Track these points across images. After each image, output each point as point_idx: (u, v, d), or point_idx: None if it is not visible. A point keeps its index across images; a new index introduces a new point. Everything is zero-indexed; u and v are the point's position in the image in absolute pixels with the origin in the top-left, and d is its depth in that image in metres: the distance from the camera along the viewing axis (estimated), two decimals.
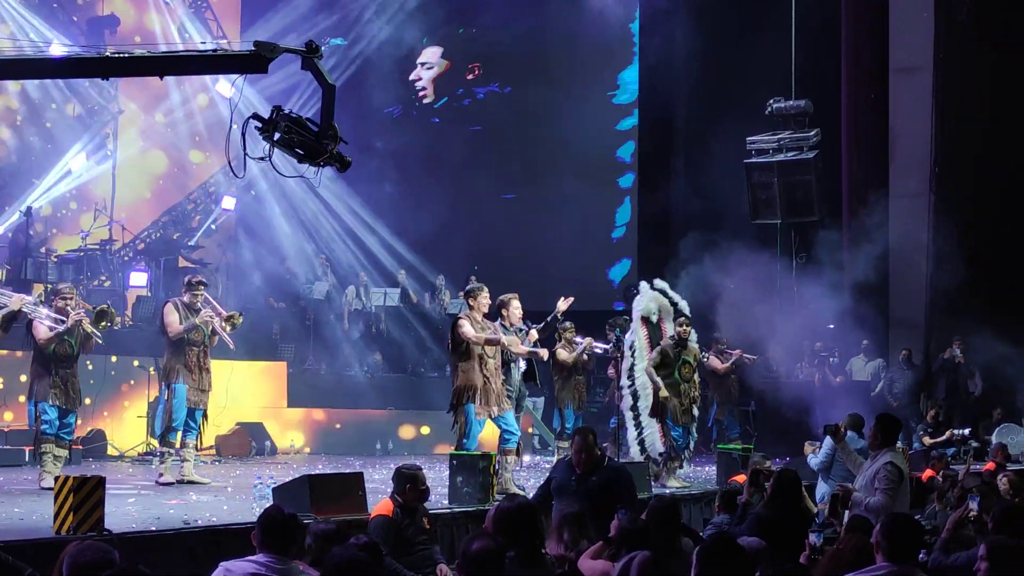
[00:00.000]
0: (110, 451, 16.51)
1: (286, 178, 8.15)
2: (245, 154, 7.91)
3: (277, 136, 7.87)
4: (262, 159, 7.97)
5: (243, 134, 7.92)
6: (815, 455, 12.43)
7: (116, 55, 8.46)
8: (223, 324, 13.27)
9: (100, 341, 13.59)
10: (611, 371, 17.64)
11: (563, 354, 17.26)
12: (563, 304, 14.07)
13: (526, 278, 22.45)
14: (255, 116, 7.96)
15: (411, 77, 26.67)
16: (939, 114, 21.85)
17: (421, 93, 26.80)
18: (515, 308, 13.32)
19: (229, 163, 8.35)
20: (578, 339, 17.42)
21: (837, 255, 21.03)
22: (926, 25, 22.01)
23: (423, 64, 26.72)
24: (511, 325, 13.29)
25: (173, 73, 9.20)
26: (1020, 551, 6.44)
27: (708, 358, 19.14)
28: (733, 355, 19.24)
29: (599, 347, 17.58)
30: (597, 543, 7.30)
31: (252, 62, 8.07)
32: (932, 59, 21.99)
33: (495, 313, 13.34)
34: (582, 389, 17.67)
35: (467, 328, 12.65)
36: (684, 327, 15.05)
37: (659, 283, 15.25)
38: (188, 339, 13.20)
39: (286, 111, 7.94)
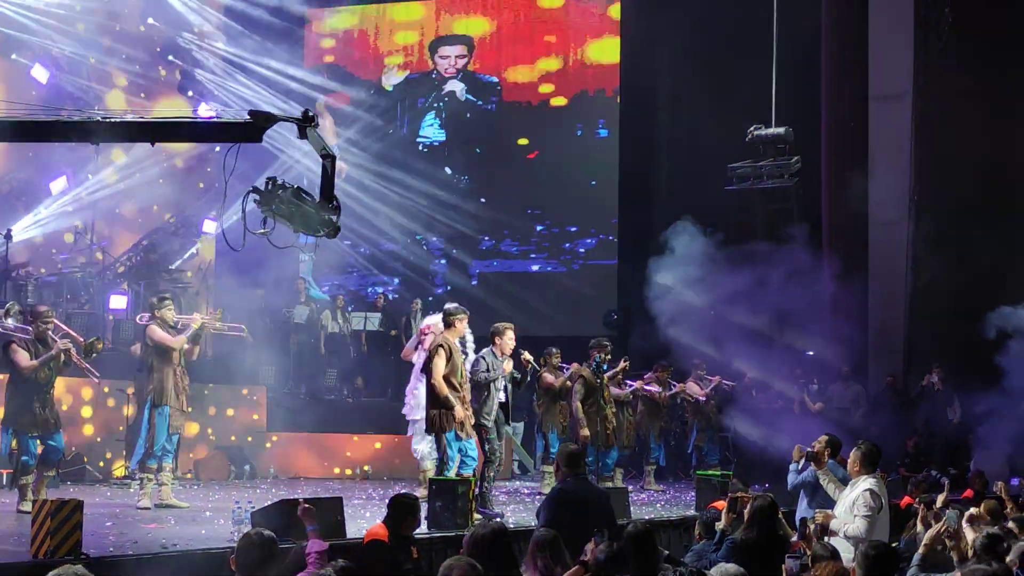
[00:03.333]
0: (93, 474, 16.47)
1: (279, 248, 8.04)
2: (245, 228, 7.85)
3: (275, 208, 7.80)
4: (263, 233, 7.91)
5: (244, 209, 7.82)
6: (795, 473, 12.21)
7: (106, 120, 8.43)
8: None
9: (96, 378, 13.61)
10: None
11: (549, 378, 17.25)
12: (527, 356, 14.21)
13: (511, 303, 22.57)
14: (254, 189, 7.88)
15: None
16: (918, 142, 21.97)
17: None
18: (509, 339, 13.37)
19: (224, 238, 8.30)
20: (564, 365, 17.42)
21: (817, 282, 21.09)
22: (906, 53, 22.13)
23: None
24: (501, 355, 13.33)
25: (164, 140, 9.12)
26: None
27: (687, 384, 19.23)
28: (712, 381, 19.27)
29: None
30: (573, 568, 7.30)
31: (246, 131, 8.02)
32: (912, 87, 22.12)
33: (479, 340, 13.38)
34: (566, 414, 17.68)
35: (437, 363, 12.75)
36: (606, 355, 15.62)
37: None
38: (169, 358, 13.19)
39: (280, 181, 7.88)
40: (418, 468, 15.35)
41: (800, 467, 11.62)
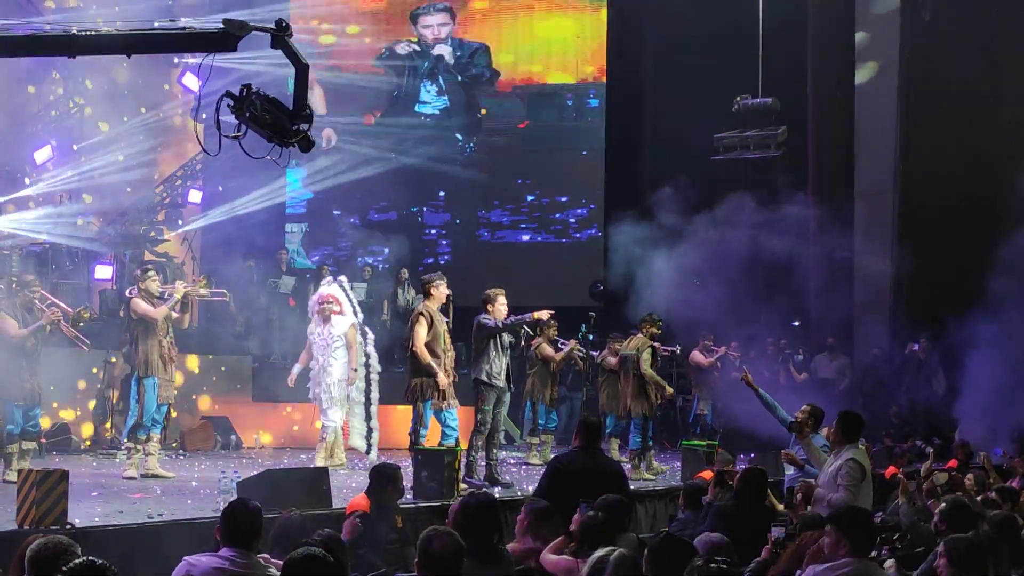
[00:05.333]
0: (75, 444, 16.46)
1: (254, 158, 8.07)
2: (220, 133, 7.91)
3: (249, 114, 7.86)
4: (235, 137, 7.96)
5: (217, 110, 7.89)
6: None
7: (82, 32, 8.41)
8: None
9: (87, 347, 13.62)
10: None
11: (549, 350, 17.14)
12: (544, 315, 13.85)
13: (502, 274, 22.55)
14: (228, 94, 7.94)
15: None
16: (904, 112, 21.97)
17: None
18: (500, 304, 13.20)
19: (199, 140, 8.38)
20: (561, 341, 17.34)
21: (802, 252, 21.13)
22: (892, 22, 22.11)
23: None
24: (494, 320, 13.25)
25: (140, 52, 9.07)
26: (976, 546, 6.53)
27: (692, 353, 19.25)
28: (719, 352, 19.25)
29: (582, 351, 17.45)
30: (558, 538, 7.33)
31: (221, 41, 8.03)
32: (898, 56, 22.11)
33: (480, 307, 13.31)
34: (555, 385, 17.67)
35: (418, 331, 12.75)
36: (657, 330, 15.55)
37: (343, 280, 15.46)
38: (158, 329, 13.19)
39: (255, 89, 7.94)
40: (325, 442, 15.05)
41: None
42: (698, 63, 22.80)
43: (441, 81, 25.81)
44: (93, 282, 19.09)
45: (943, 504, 8.14)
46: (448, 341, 13.07)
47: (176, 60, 23.04)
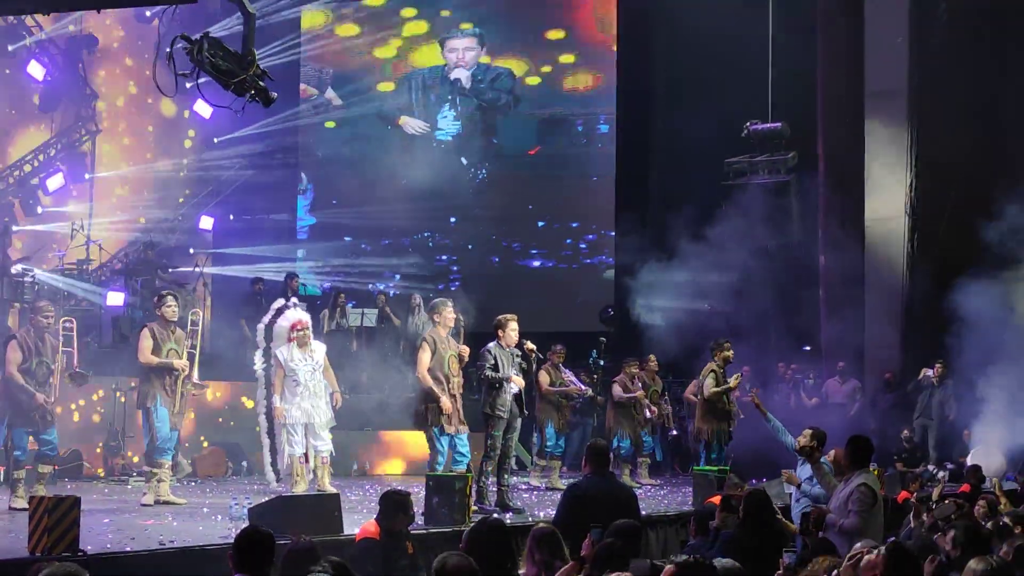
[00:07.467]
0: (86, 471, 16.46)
1: (214, 106, 8.28)
2: (176, 74, 8.07)
3: (206, 60, 8.03)
4: (186, 75, 8.13)
5: (171, 52, 8.08)
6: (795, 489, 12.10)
7: None
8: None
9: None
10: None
11: (543, 378, 17.05)
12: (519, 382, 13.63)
13: (513, 300, 22.57)
14: (183, 36, 8.10)
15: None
16: (915, 138, 21.97)
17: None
18: (512, 330, 13.16)
19: (155, 82, 8.55)
20: (567, 372, 17.29)
21: (813, 276, 21.09)
22: (901, 50, 22.13)
23: None
24: (507, 346, 13.20)
25: (110, 6, 9.23)
26: (998, 572, 6.47)
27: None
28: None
29: (580, 388, 17.38)
30: (569, 564, 7.31)
31: None
32: (908, 83, 22.12)
33: (491, 333, 13.28)
34: (566, 410, 17.60)
35: (422, 357, 12.76)
36: (728, 351, 15.51)
37: (297, 303, 15.32)
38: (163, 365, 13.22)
39: (212, 36, 8.14)
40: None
41: (809, 479, 11.60)
42: (708, 88, 22.85)
43: (459, 105, 25.85)
44: (105, 308, 19.12)
45: (953, 530, 8.06)
46: (454, 367, 13.04)
47: (188, 84, 23.17)
